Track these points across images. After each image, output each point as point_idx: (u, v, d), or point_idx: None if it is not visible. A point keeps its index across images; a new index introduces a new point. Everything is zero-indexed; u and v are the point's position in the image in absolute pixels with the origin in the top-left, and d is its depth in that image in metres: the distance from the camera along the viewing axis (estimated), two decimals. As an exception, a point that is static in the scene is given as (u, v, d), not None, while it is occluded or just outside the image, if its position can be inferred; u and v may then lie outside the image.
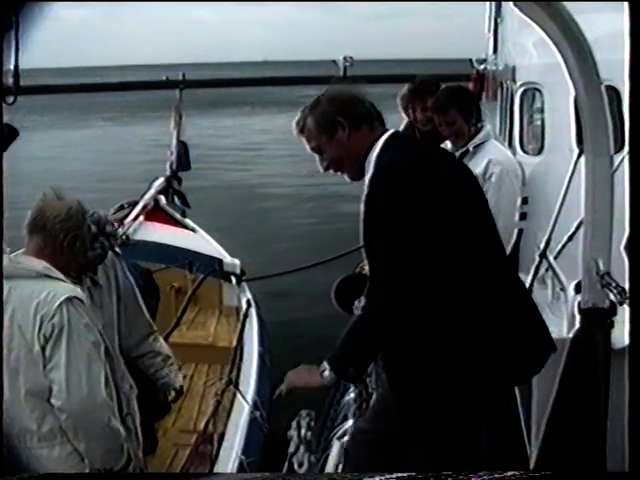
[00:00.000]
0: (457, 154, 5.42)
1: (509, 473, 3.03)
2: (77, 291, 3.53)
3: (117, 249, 4.20)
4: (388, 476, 3.16)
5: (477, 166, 5.33)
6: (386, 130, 3.54)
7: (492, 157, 5.40)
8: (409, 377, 3.44)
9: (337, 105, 3.51)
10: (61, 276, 3.55)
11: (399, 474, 3.14)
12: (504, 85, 8.98)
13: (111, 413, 3.47)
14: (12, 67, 5.61)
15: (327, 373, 3.35)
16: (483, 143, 5.49)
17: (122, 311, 4.22)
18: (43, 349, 3.40)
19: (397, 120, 7.22)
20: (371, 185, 3.34)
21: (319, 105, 3.53)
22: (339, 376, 3.38)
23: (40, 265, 3.54)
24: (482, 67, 11.47)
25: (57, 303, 3.41)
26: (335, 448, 4.03)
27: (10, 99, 5.67)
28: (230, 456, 5.24)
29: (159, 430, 5.67)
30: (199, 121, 25.70)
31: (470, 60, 11.85)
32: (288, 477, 4.44)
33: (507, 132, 8.21)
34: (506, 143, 7.96)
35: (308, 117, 3.53)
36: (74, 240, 3.63)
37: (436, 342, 3.32)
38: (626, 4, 3.01)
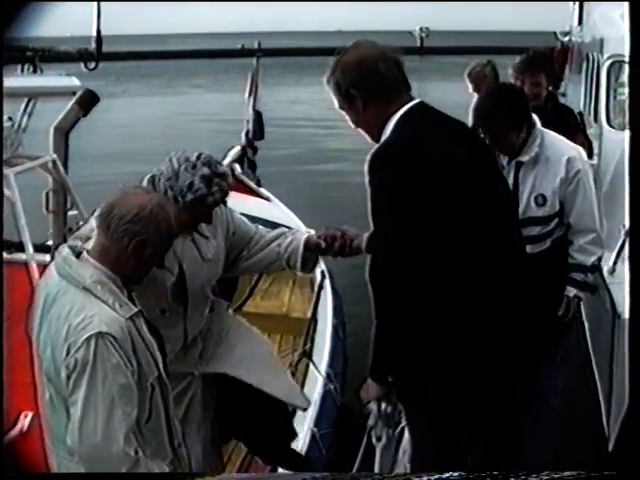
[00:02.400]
0: (512, 163, 4.80)
1: (567, 473, 3.02)
2: (115, 324, 3.04)
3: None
4: (437, 476, 3.14)
5: (554, 170, 4.81)
6: (407, 100, 3.40)
7: (569, 155, 4.79)
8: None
9: (351, 75, 3.38)
10: (112, 293, 3.11)
11: (449, 474, 3.11)
12: (590, 58, 8.77)
13: (130, 464, 3.05)
14: (94, 33, 5.70)
15: (373, 384, 3.48)
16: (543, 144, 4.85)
17: (231, 253, 4.10)
18: (68, 378, 3.05)
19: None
20: (367, 166, 3.29)
21: (336, 71, 3.43)
22: (380, 383, 3.47)
23: (90, 278, 3.09)
24: (566, 39, 11.23)
25: (85, 336, 2.99)
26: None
27: (92, 65, 5.79)
28: (302, 428, 5.18)
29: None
30: (273, 89, 25.70)
31: (554, 32, 11.62)
32: (304, 477, 4.41)
33: (592, 106, 8.01)
34: (591, 117, 7.78)
35: (330, 79, 3.45)
36: (141, 246, 3.11)
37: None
38: (626, 4, 2.92)
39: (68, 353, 3.01)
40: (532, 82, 5.87)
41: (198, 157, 3.71)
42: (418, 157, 3.22)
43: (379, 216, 3.28)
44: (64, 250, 3.20)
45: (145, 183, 3.78)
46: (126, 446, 3.03)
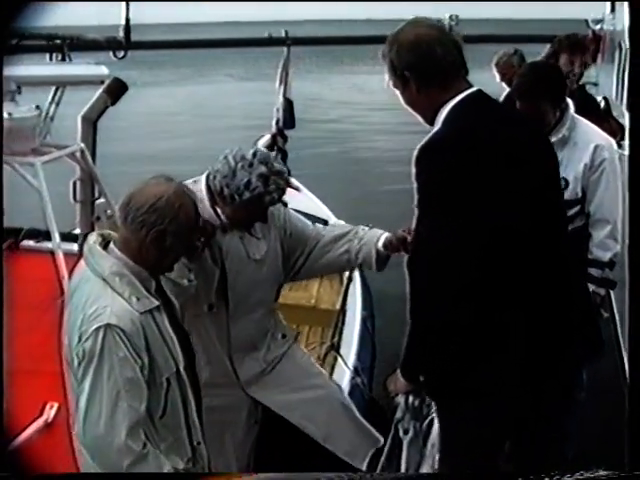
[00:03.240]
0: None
1: (602, 473, 3.01)
2: (125, 317, 3.03)
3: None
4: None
5: (580, 155, 4.81)
6: (465, 87, 3.28)
7: (598, 142, 4.83)
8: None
9: (407, 57, 3.23)
10: (130, 286, 3.09)
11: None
12: (622, 46, 8.65)
13: (133, 458, 3.03)
14: (123, 22, 5.67)
15: (402, 379, 3.40)
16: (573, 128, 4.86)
17: (291, 255, 4.05)
18: (79, 366, 3.06)
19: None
20: (415, 158, 3.19)
21: (392, 50, 3.28)
22: (410, 382, 3.40)
23: (108, 269, 3.09)
24: (598, 27, 11.08)
25: (95, 326, 2.99)
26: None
27: (120, 53, 5.76)
28: None
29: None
30: (303, 77, 25.62)
31: (586, 20, 11.47)
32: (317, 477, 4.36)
33: (624, 95, 7.91)
34: (623, 107, 7.68)
35: (385, 56, 3.30)
36: (160, 237, 3.08)
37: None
38: (626, 4, 2.86)
39: (79, 341, 3.01)
40: (582, 62, 5.88)
41: (254, 155, 3.66)
42: (470, 149, 3.12)
43: (425, 209, 3.19)
44: (92, 238, 3.21)
45: (203, 181, 3.77)
46: (130, 440, 3.01)
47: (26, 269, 5.49)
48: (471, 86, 3.30)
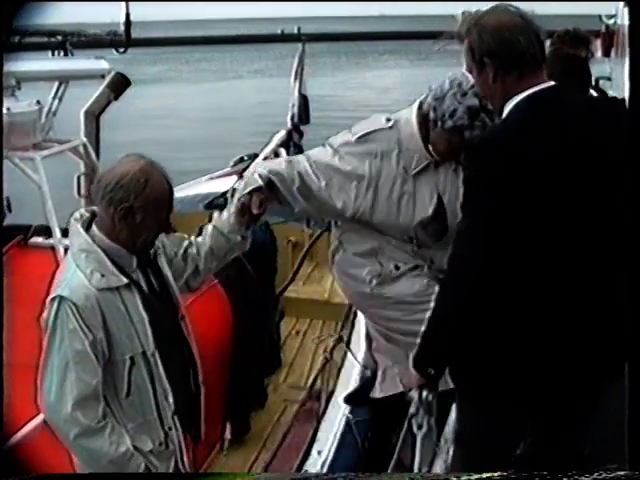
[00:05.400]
0: None
1: (621, 472, 2.97)
2: (79, 292, 3.09)
3: None
4: (476, 476, 3.08)
5: None
6: (540, 81, 3.12)
7: None
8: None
9: (487, 41, 3.10)
10: (97, 263, 3.14)
11: (492, 473, 3.06)
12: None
13: (80, 430, 3.09)
14: (124, 18, 5.66)
15: (414, 372, 3.34)
16: None
17: None
18: None
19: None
20: (465, 152, 3.14)
21: (472, 33, 3.16)
22: (422, 375, 3.33)
23: (77, 246, 3.19)
24: (612, 22, 11.04)
25: (51, 297, 3.12)
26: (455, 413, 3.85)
27: (121, 49, 5.75)
28: (337, 415, 5.16)
29: (269, 385, 5.66)
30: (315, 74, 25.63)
31: (599, 15, 11.42)
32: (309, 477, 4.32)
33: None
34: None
35: (463, 39, 3.19)
36: (127, 213, 3.13)
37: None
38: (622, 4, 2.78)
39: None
40: (587, 55, 5.89)
41: (472, 86, 3.45)
42: (523, 148, 3.00)
43: (468, 206, 3.11)
44: (77, 214, 3.30)
45: (414, 111, 3.70)
46: (78, 411, 3.08)
47: (34, 265, 5.49)
48: (547, 81, 3.16)
